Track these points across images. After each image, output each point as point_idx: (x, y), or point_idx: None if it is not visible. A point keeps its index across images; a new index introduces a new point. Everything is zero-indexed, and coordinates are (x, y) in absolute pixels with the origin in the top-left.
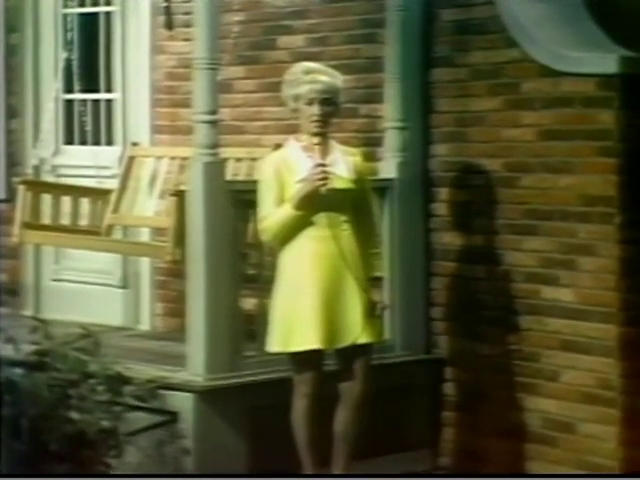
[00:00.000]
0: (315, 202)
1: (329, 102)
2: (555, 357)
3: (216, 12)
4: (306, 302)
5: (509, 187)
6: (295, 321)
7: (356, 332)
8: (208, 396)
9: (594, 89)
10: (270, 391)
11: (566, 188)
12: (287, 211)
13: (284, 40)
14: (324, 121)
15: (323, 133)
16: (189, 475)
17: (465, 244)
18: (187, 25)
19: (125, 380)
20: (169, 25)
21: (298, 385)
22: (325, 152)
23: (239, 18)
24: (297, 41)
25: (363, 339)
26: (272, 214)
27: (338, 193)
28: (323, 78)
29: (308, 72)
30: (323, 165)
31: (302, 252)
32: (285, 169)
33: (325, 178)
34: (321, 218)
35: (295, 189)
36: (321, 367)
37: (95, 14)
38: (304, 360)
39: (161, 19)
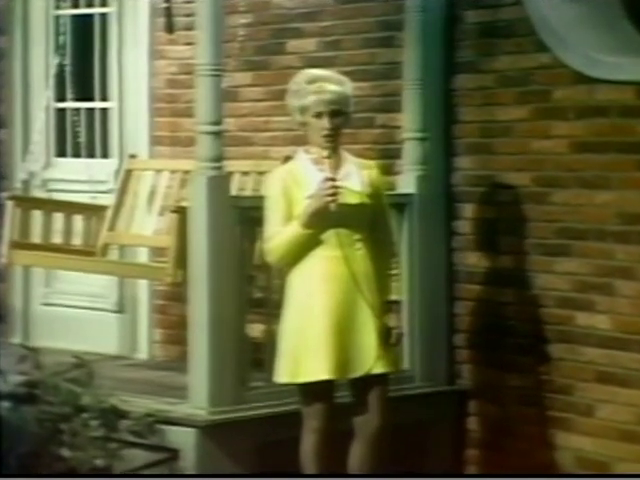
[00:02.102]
0: (325, 219)
1: (339, 113)
2: (590, 390)
3: (220, 14)
4: (315, 328)
5: (539, 203)
6: (304, 349)
7: (370, 361)
8: (212, 431)
9: (632, 97)
10: (279, 425)
11: (602, 205)
12: (294, 230)
13: (294, 44)
14: (335, 134)
15: (335, 146)
16: (189, 475)
17: (491, 265)
18: (189, 28)
19: (121, 414)
20: (170, 28)
21: (307, 419)
22: (337, 165)
23: (245, 20)
24: (308, 45)
25: (378, 369)
26: (278, 233)
27: (351, 209)
28: (331, 87)
29: (314, 81)
30: (332, 179)
31: (311, 274)
32: (293, 184)
33: (335, 193)
34: (332, 237)
35: (304, 205)
36: (332, 399)
37: (90, 16)
38: (314, 392)
39: (161, 21)
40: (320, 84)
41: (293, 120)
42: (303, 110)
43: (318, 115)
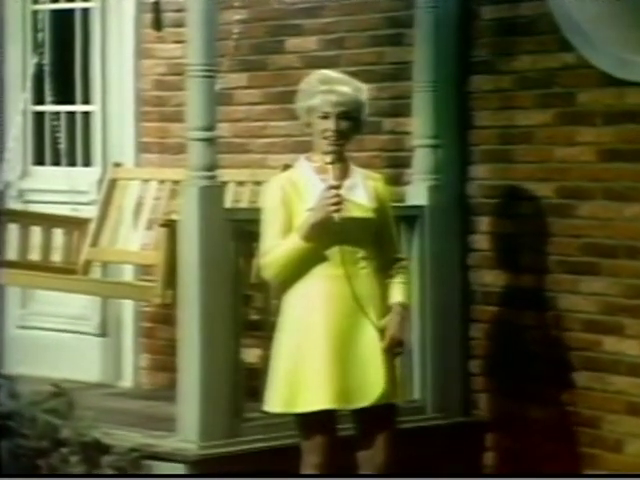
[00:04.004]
0: (327, 233)
1: (347, 117)
2: (619, 423)
3: (213, 9)
4: (315, 353)
5: (563, 217)
6: (302, 376)
7: (376, 390)
8: (203, 467)
9: None
10: (276, 461)
11: (633, 219)
12: (293, 243)
13: (294, 42)
14: (339, 138)
15: (338, 152)
16: (191, 475)
17: (510, 285)
18: (179, 24)
19: (104, 448)
20: (158, 24)
21: (306, 453)
22: (342, 174)
23: (241, 16)
24: (309, 43)
25: (385, 398)
26: (276, 246)
27: (355, 223)
28: (342, 89)
29: (325, 82)
30: (336, 187)
31: (311, 293)
32: (294, 194)
33: (338, 203)
34: (334, 253)
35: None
36: (334, 432)
37: (70, 11)
38: (313, 423)
39: (148, 17)
40: (331, 85)
41: (300, 123)
42: (310, 111)
43: (324, 116)
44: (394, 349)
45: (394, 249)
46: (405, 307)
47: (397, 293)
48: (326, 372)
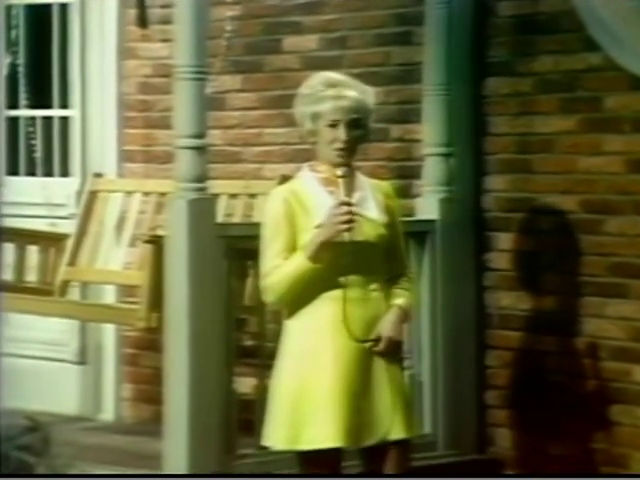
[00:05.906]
0: (336, 253)
1: (358, 124)
2: None
3: (204, 5)
4: (321, 384)
5: (589, 233)
6: (306, 409)
7: (386, 425)
8: None
9: None
10: None
11: None
12: (299, 263)
13: (292, 41)
14: (350, 148)
15: (349, 163)
16: (188, 475)
17: (530, 307)
18: (166, 21)
19: None
20: (143, 21)
21: None
22: (351, 187)
23: (234, 13)
24: (308, 42)
25: (396, 434)
26: (279, 267)
27: (367, 242)
28: (351, 93)
29: (331, 85)
30: (348, 204)
31: (317, 318)
32: (299, 208)
33: (350, 220)
34: (343, 274)
35: (312, 235)
36: (339, 469)
37: (47, 6)
38: (317, 461)
39: (132, 13)
40: (339, 89)
41: (302, 129)
42: (316, 117)
43: (333, 124)
44: (389, 351)
45: (403, 264)
46: (403, 309)
47: (396, 297)
48: (333, 405)
